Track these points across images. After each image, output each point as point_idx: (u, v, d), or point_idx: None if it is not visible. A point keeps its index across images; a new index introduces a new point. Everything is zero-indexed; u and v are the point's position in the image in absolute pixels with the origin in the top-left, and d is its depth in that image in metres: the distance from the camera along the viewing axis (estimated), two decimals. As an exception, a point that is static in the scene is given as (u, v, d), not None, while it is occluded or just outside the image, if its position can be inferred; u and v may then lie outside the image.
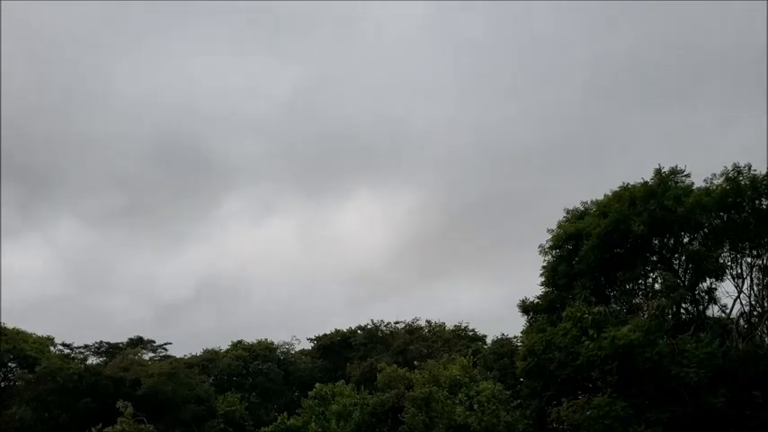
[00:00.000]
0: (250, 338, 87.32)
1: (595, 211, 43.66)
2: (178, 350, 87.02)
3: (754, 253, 40.59)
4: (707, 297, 41.81)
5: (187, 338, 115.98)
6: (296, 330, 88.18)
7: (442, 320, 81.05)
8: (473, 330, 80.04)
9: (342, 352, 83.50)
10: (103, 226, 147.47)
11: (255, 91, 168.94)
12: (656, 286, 42.19)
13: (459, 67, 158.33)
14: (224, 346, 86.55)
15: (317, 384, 57.33)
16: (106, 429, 57.49)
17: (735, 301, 40.75)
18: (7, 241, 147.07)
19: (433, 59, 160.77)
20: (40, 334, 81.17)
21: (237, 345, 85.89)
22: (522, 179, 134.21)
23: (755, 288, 40.52)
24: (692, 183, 41.21)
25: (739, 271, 40.81)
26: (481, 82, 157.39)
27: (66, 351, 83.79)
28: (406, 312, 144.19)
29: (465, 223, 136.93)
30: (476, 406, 45.98)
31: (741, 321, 40.25)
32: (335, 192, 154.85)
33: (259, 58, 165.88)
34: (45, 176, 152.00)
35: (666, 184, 40.71)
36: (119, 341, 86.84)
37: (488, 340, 71.13)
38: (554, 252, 44.58)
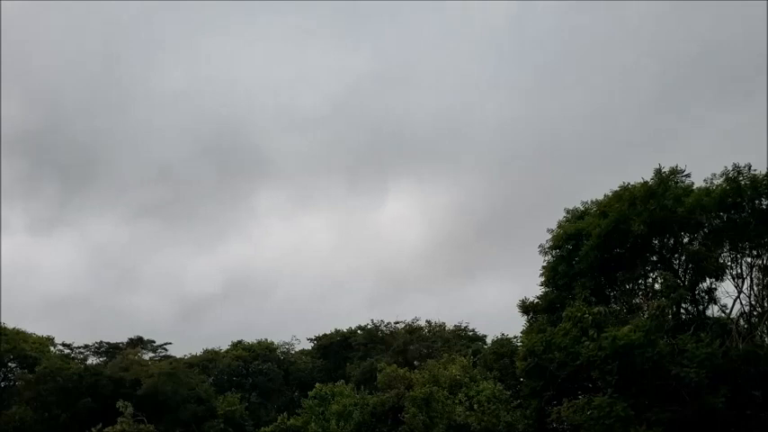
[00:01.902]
0: (276, 337, 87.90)
1: (595, 211, 43.66)
2: (201, 348, 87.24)
3: (754, 253, 40.59)
4: (707, 297, 41.82)
5: (212, 336, 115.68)
6: (323, 329, 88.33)
7: (461, 320, 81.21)
8: (473, 330, 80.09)
9: (342, 352, 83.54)
10: (139, 221, 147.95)
11: (310, 83, 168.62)
12: (656, 286, 42.19)
13: (517, 65, 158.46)
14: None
15: (317, 384, 57.27)
16: (106, 429, 57.60)
17: (735, 301, 40.82)
18: (40, 237, 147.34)
19: (495, 57, 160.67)
20: (63, 331, 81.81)
21: (237, 345, 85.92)
22: (568, 177, 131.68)
23: (755, 288, 40.51)
24: (692, 183, 41.31)
25: (739, 271, 40.84)
26: (538, 82, 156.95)
27: (66, 351, 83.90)
28: (435, 312, 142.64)
29: (505, 221, 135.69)
30: (476, 406, 45.92)
31: (741, 321, 40.22)
32: (376, 189, 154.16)
33: (320, 48, 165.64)
34: (85, 172, 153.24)
35: (666, 184, 40.72)
36: (119, 341, 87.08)
37: (489, 340, 71.16)
38: (554, 252, 44.59)
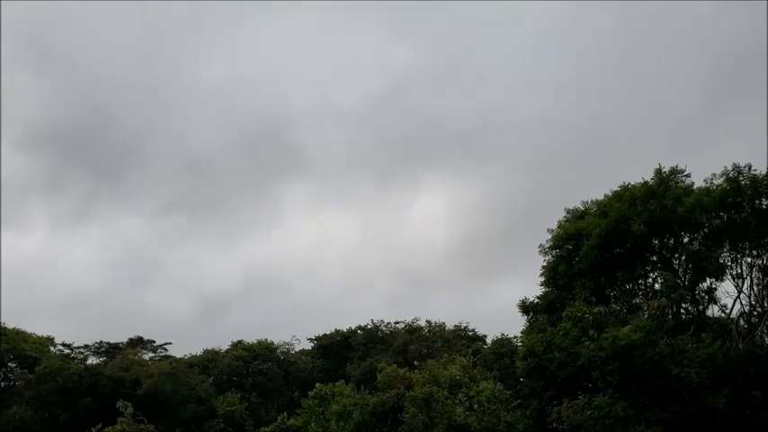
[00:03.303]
0: (292, 335, 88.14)
1: (595, 210, 43.66)
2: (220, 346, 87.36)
3: (754, 253, 40.59)
4: (707, 297, 41.81)
5: (233, 334, 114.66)
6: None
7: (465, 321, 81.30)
8: (473, 330, 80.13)
9: (342, 352, 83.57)
10: (166, 217, 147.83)
11: (348, 80, 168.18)
12: (656, 286, 42.18)
13: (565, 65, 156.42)
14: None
15: (317, 384, 57.26)
16: (106, 429, 57.61)
17: (735, 301, 40.81)
18: (64, 233, 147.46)
19: (542, 56, 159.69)
20: (80, 329, 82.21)
21: (237, 345, 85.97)
22: (571, 177, 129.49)
23: (755, 288, 40.51)
24: (693, 183, 41.31)
25: (739, 271, 40.83)
26: (585, 81, 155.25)
27: (66, 351, 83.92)
28: (454, 312, 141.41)
29: (523, 221, 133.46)
30: (476, 406, 45.91)
31: (741, 321, 40.21)
32: (407, 187, 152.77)
33: (359, 45, 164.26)
34: (116, 167, 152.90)
35: (666, 184, 40.73)
36: (119, 341, 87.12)
37: (489, 340, 71.18)
38: (554, 252, 44.58)
